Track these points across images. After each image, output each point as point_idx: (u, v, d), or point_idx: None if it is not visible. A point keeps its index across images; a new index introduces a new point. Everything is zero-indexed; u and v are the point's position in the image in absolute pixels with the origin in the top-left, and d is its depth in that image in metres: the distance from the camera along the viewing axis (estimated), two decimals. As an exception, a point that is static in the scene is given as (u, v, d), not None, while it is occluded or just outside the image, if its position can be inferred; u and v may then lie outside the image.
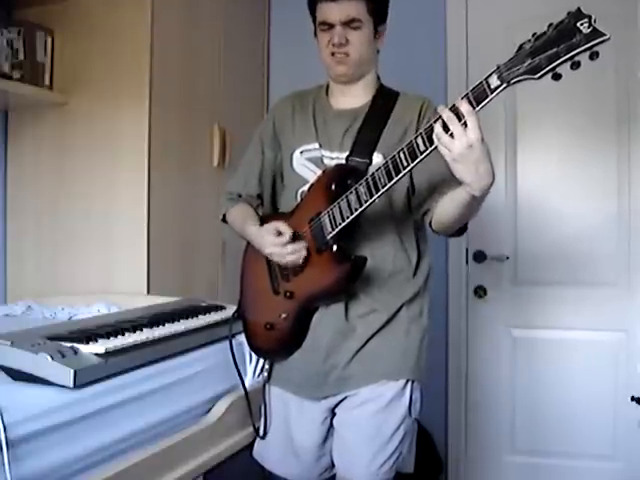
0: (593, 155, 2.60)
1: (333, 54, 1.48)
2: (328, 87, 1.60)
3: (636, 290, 2.56)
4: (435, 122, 1.19)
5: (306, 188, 1.53)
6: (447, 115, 1.16)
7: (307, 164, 1.55)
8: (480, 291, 2.72)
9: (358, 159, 1.47)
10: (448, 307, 2.75)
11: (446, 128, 1.17)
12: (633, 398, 2.52)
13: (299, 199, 1.54)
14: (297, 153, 1.57)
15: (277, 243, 1.43)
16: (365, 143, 1.49)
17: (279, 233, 1.44)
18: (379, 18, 1.50)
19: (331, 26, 1.46)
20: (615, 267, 2.57)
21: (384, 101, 1.54)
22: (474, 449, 2.75)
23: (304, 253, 1.44)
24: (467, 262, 2.74)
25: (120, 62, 2.14)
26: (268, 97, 2.98)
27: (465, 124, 1.15)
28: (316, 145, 1.55)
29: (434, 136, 1.19)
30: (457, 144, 1.16)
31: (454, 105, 1.17)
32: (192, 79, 2.38)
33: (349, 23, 1.45)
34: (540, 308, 2.65)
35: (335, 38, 1.45)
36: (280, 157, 1.62)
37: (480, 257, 2.71)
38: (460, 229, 1.45)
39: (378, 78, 1.59)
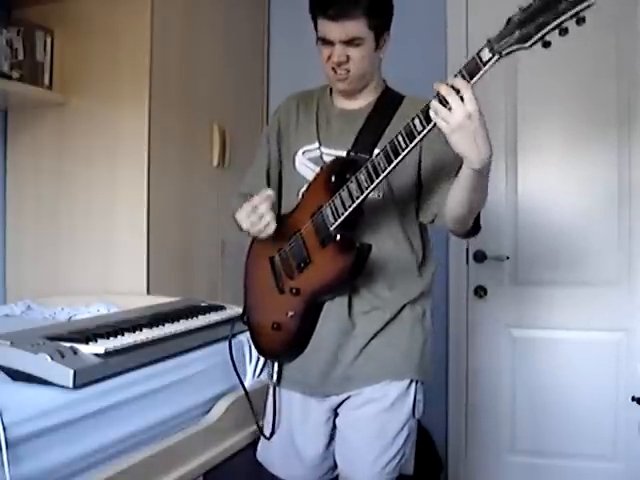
0: (593, 155, 2.60)
1: (334, 70, 1.47)
2: (332, 87, 1.60)
3: (636, 290, 2.56)
4: (432, 100, 1.21)
5: (306, 186, 1.52)
6: (445, 89, 1.18)
7: (308, 164, 1.55)
8: (480, 291, 2.72)
9: (359, 154, 1.47)
10: (448, 307, 2.75)
11: (443, 103, 1.18)
12: (634, 398, 2.51)
13: (300, 198, 1.54)
14: (300, 154, 1.57)
15: (248, 211, 1.40)
16: (367, 141, 1.48)
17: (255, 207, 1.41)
18: (381, 31, 1.47)
19: (331, 42, 1.44)
20: (615, 267, 2.57)
21: (388, 102, 1.53)
22: (474, 449, 2.74)
23: (267, 219, 1.39)
24: (467, 262, 2.74)
25: (120, 62, 2.14)
26: (268, 97, 2.98)
27: (462, 98, 1.17)
28: (316, 144, 1.54)
29: (431, 112, 1.21)
30: (455, 115, 1.17)
31: (449, 82, 1.18)
32: (192, 79, 2.37)
33: (349, 42, 1.42)
34: (540, 308, 2.65)
35: (335, 57, 1.44)
36: (284, 157, 1.62)
37: (480, 257, 2.71)
38: (474, 229, 1.44)
39: (384, 81, 1.59)
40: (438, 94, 1.19)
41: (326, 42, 1.44)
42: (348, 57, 1.44)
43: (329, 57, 1.45)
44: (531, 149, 2.67)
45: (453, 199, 1.37)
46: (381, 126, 1.49)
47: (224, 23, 2.58)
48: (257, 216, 1.40)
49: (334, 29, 1.41)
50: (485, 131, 1.19)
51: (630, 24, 2.51)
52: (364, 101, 1.55)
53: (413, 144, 1.25)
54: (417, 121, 1.24)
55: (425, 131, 1.24)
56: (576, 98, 2.59)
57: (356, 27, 1.41)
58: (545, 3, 1.08)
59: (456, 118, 1.17)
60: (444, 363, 2.74)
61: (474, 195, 1.32)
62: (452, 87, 1.17)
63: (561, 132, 2.64)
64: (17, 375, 1.20)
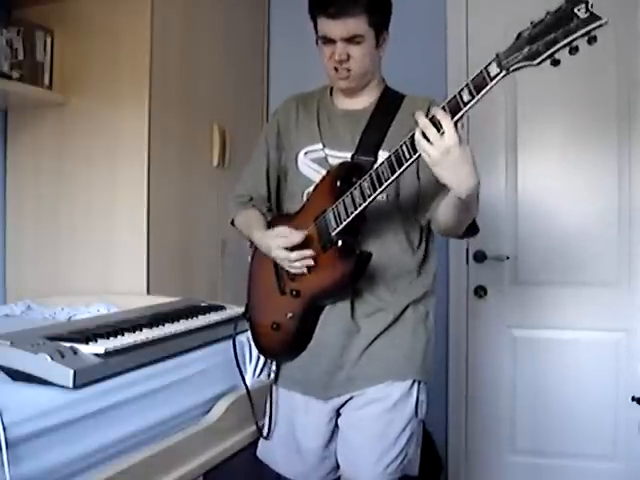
0: (593, 155, 2.60)
1: (336, 69, 1.47)
2: (332, 88, 1.60)
3: (636, 290, 2.56)
4: (417, 128, 1.22)
5: (312, 188, 1.52)
6: (423, 122, 1.19)
7: (311, 165, 1.55)
8: (480, 291, 2.72)
9: (363, 157, 1.47)
10: (448, 307, 2.75)
11: (425, 136, 1.19)
12: (634, 398, 2.52)
13: (305, 199, 1.54)
14: (302, 154, 1.57)
15: (284, 244, 1.43)
16: (371, 142, 1.49)
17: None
18: (381, 28, 1.48)
19: (332, 41, 1.44)
20: (615, 267, 2.57)
21: (389, 102, 1.54)
22: (474, 449, 2.74)
23: (309, 261, 1.43)
24: (467, 262, 2.74)
25: (120, 62, 2.14)
26: (268, 97, 2.98)
27: (442, 130, 1.17)
28: (320, 146, 1.55)
29: (416, 142, 1.22)
30: (434, 149, 1.18)
31: (431, 114, 1.19)
32: (192, 79, 2.37)
33: (350, 39, 1.43)
34: (540, 308, 2.65)
35: (336, 55, 1.44)
36: (285, 158, 1.62)
37: (480, 257, 2.71)
38: (471, 230, 1.45)
39: (383, 80, 1.59)
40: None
41: (327, 41, 1.45)
42: (349, 55, 1.44)
43: (330, 56, 1.46)
44: (531, 148, 2.67)
45: (442, 214, 1.40)
46: (384, 126, 1.49)
47: (224, 23, 2.58)
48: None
49: (335, 27, 1.42)
50: (469, 163, 1.19)
51: (630, 24, 2.52)
52: (366, 101, 1.55)
53: (417, 155, 1.26)
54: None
55: None
56: (576, 97, 2.59)
57: (357, 24, 1.41)
58: (556, 19, 1.07)
59: (435, 153, 1.18)
60: (444, 363, 2.74)
61: (463, 214, 1.35)
62: (432, 119, 1.18)
63: (561, 131, 2.64)
64: (17, 375, 1.19)
